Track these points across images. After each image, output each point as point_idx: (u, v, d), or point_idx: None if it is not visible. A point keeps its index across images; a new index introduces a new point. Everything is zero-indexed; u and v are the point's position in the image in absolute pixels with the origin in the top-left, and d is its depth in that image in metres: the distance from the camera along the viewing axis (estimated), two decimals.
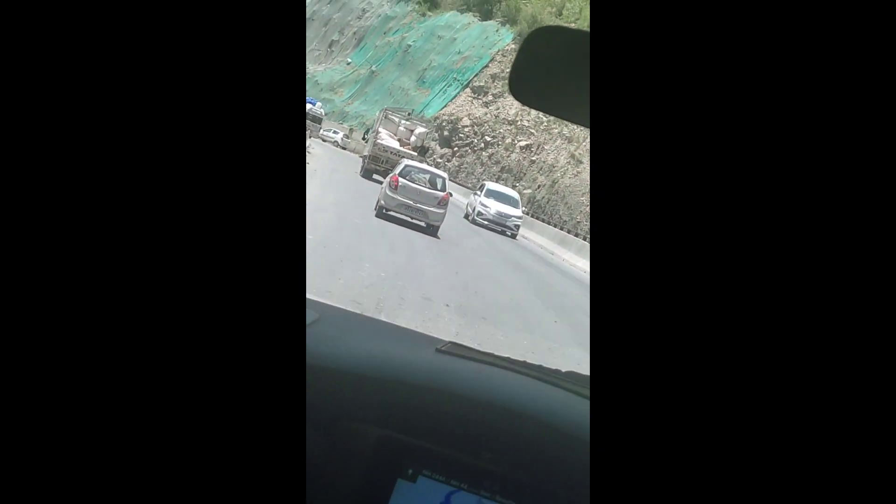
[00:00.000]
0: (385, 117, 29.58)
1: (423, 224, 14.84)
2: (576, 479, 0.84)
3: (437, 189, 15.20)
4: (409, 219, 14.82)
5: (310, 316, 1.12)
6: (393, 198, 14.87)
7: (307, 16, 77.00)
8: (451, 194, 16.21)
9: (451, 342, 1.23)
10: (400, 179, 15.03)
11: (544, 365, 1.21)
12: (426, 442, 0.89)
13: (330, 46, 74.22)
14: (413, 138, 28.64)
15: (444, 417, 0.94)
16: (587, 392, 1.03)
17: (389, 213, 14.90)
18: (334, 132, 52.34)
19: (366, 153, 28.35)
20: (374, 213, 15.25)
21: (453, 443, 0.90)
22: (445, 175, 16.60)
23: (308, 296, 0.99)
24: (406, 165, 15.93)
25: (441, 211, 14.95)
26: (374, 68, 67.60)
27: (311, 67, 73.50)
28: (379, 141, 26.49)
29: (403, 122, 29.67)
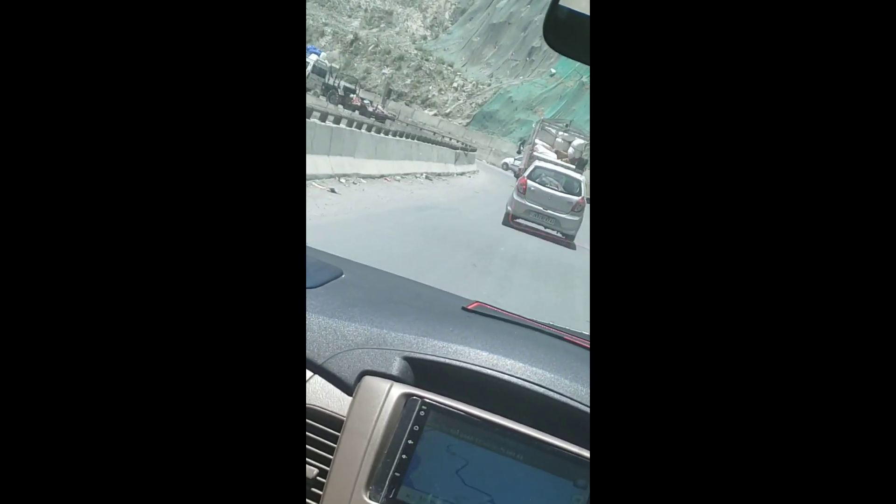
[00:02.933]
0: (542, 129, 29.70)
1: (556, 233, 14.08)
2: (582, 437, 0.91)
3: (572, 193, 14.14)
4: (541, 227, 14.06)
5: (334, 272, 1.26)
6: (521, 203, 13.96)
7: (503, 20, 66.47)
8: (588, 199, 14.93)
9: (477, 302, 1.33)
10: (529, 183, 14.10)
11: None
12: (443, 396, 0.95)
13: (529, 55, 63.22)
14: (571, 150, 28.77)
15: (465, 374, 0.99)
16: None
17: (518, 220, 14.09)
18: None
19: (521, 165, 28.25)
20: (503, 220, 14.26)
21: (467, 398, 0.96)
22: (582, 178, 15.23)
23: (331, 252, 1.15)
24: (536, 167, 15.04)
25: (576, 218, 14.00)
26: (584, 80, 55.42)
27: (505, 81, 62.59)
28: (535, 153, 26.17)
29: (561, 133, 29.65)
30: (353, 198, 10.74)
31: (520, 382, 0.97)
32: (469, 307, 1.27)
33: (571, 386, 0.96)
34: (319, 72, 41.32)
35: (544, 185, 14.07)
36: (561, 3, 0.89)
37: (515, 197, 14.11)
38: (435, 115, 61.13)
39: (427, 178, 18.54)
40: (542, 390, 0.96)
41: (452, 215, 12.90)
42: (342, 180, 11.93)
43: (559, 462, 0.90)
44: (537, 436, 0.91)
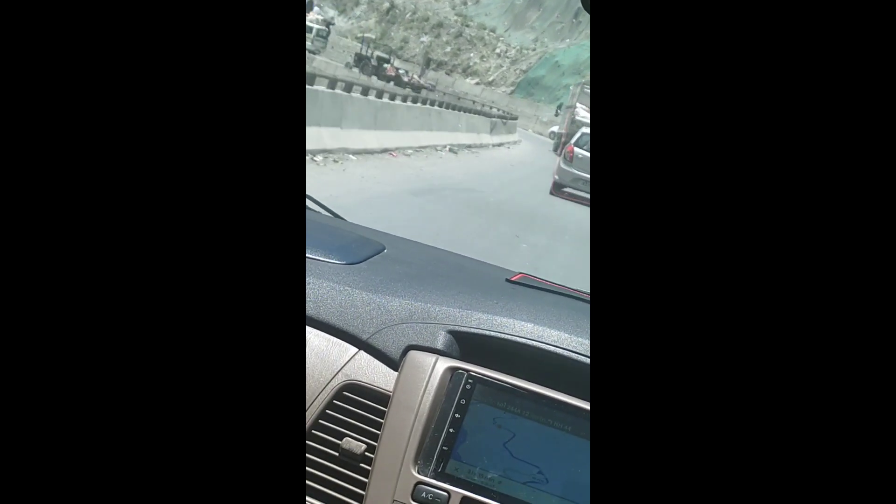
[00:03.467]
0: (582, 91, 28.55)
1: None
2: None
3: None
4: (589, 196, 11.84)
5: (376, 247, 1.26)
6: (568, 172, 13.31)
7: None
8: None
9: (521, 273, 1.33)
10: (576, 150, 13.43)
11: None
12: (488, 369, 0.95)
13: (576, 16, 59.29)
14: None
15: (510, 346, 0.99)
16: None
17: (565, 189, 13.35)
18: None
19: (559, 130, 27.94)
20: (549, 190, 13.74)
21: (513, 370, 0.96)
22: None
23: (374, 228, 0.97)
24: (583, 134, 14.11)
25: None
26: None
27: (550, 45, 58.91)
28: (576, 118, 25.70)
29: None
30: (320, 182, 7.86)
31: (566, 353, 0.96)
32: (513, 279, 1.27)
33: None
34: (321, 35, 40.13)
35: None
36: None
37: (562, 165, 13.43)
38: (477, 83, 57.82)
39: (451, 150, 15.60)
40: (587, 360, 0.95)
41: (465, 200, 9.88)
42: (317, 158, 9.07)
43: None
44: (585, 406, 0.91)
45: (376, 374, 0.96)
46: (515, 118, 31.38)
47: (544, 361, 0.96)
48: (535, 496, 0.89)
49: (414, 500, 0.89)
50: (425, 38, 62.24)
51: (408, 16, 65.38)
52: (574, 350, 0.96)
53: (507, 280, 1.26)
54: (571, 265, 7.15)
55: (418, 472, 0.90)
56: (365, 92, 11.84)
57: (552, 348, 0.97)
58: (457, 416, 0.92)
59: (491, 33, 62.77)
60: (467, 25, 63.78)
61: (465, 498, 0.89)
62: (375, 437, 0.92)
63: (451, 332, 0.99)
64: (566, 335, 0.98)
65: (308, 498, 0.91)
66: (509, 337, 0.98)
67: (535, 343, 0.97)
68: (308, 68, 11.00)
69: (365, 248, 1.23)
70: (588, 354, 0.95)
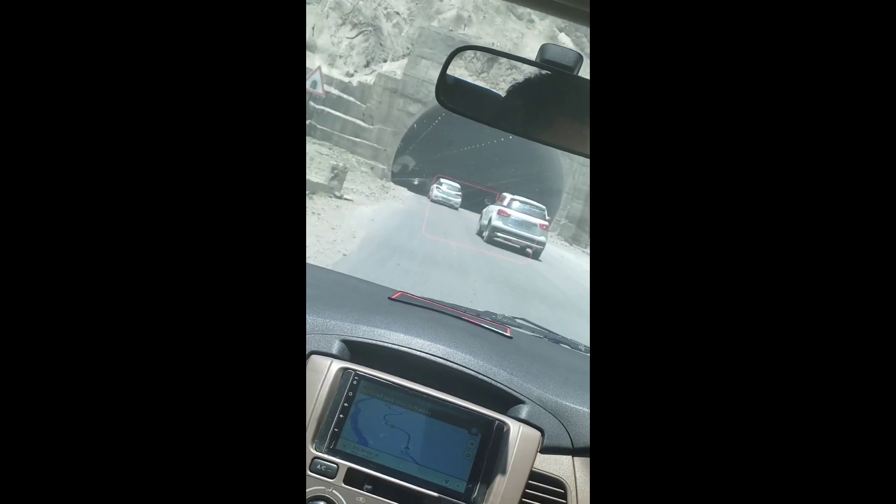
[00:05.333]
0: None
1: (528, 250, 17.82)
2: (473, 396, 1.24)
3: (540, 218, 18.32)
4: (516, 244, 17.81)
5: None
6: (502, 227, 17.70)
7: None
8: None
9: (400, 291, 1.73)
10: (505, 209, 17.99)
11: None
12: (371, 369, 1.25)
13: None
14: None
15: (387, 351, 1.29)
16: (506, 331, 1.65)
17: (497, 238, 17.65)
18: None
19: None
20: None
21: (390, 369, 1.26)
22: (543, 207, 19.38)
23: None
24: (511, 199, 18.56)
25: (542, 238, 18.01)
26: None
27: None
28: None
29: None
30: None
31: (426, 356, 1.27)
32: (393, 297, 1.63)
33: (465, 357, 1.28)
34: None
35: (518, 212, 17.81)
36: (448, 71, 1.09)
37: (497, 221, 17.59)
38: None
39: None
40: (441, 361, 1.27)
41: None
42: None
43: (457, 416, 1.20)
44: (440, 396, 1.21)
45: None
46: None
47: (412, 362, 1.26)
48: (402, 464, 1.17)
49: (311, 471, 1.15)
50: None
51: None
52: (432, 353, 1.27)
53: (389, 298, 1.61)
54: None
55: (315, 449, 1.16)
56: None
57: (416, 352, 1.27)
58: (345, 405, 1.19)
59: None
60: None
61: (350, 468, 1.16)
62: None
63: (344, 341, 1.28)
64: (427, 342, 1.28)
65: None
66: (385, 344, 1.28)
67: (404, 349, 1.27)
68: None
69: None
70: (439, 356, 1.28)
